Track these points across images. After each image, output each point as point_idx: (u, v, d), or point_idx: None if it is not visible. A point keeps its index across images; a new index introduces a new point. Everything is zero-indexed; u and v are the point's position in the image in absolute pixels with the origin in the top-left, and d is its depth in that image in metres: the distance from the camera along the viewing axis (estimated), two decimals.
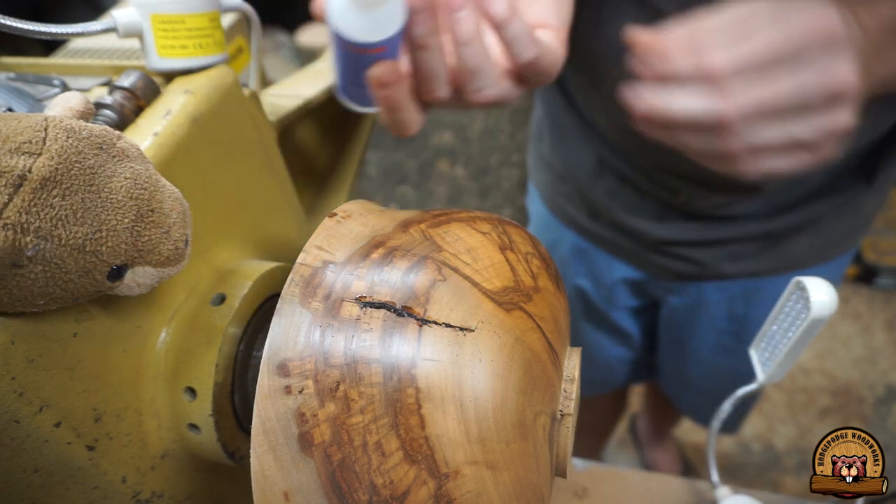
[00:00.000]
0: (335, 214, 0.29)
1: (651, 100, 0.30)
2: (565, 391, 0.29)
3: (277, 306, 0.25)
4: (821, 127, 0.30)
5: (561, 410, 0.29)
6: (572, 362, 0.30)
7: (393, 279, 0.25)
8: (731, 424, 0.87)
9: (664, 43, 0.29)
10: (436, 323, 0.25)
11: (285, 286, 0.26)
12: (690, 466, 1.26)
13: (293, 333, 0.25)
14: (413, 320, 0.25)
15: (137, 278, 0.26)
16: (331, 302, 0.25)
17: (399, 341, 0.24)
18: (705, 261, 0.64)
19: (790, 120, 0.30)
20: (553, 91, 0.66)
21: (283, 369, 0.25)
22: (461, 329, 0.25)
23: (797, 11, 0.29)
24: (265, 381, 0.25)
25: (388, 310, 0.25)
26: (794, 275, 0.41)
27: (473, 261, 0.27)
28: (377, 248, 0.27)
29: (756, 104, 0.29)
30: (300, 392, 0.24)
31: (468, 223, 0.29)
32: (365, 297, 0.25)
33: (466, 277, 0.26)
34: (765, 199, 0.58)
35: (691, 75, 0.29)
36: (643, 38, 0.30)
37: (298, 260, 0.26)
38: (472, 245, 0.27)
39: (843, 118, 0.30)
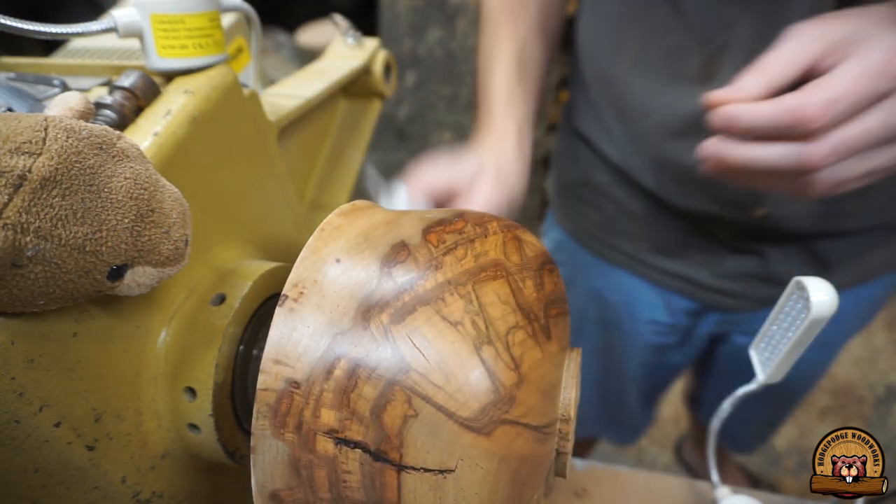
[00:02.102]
0: (286, 299, 0.25)
1: (732, 152, 0.31)
2: (560, 432, 0.28)
3: (252, 442, 0.24)
4: None
5: (557, 449, 0.28)
6: (568, 395, 0.28)
7: (361, 412, 0.24)
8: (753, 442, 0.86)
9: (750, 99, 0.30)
10: (413, 469, 0.24)
11: (253, 420, 0.24)
12: (756, 480, 1.25)
13: (276, 466, 0.24)
14: (389, 466, 0.24)
15: (137, 278, 0.26)
16: (304, 434, 0.24)
17: (380, 487, 0.24)
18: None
19: (873, 153, 0.31)
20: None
21: (275, 498, 0.25)
22: (440, 472, 0.24)
23: (881, 43, 0.30)
24: None
25: (363, 450, 0.24)
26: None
27: (446, 381, 0.24)
28: (339, 361, 0.24)
29: (844, 148, 0.30)
30: None
31: (436, 307, 0.25)
32: (337, 430, 0.24)
33: (440, 408, 0.24)
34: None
35: (785, 127, 0.29)
36: (721, 97, 0.31)
37: (259, 384, 0.25)
38: (443, 356, 0.24)
39: None
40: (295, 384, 0.24)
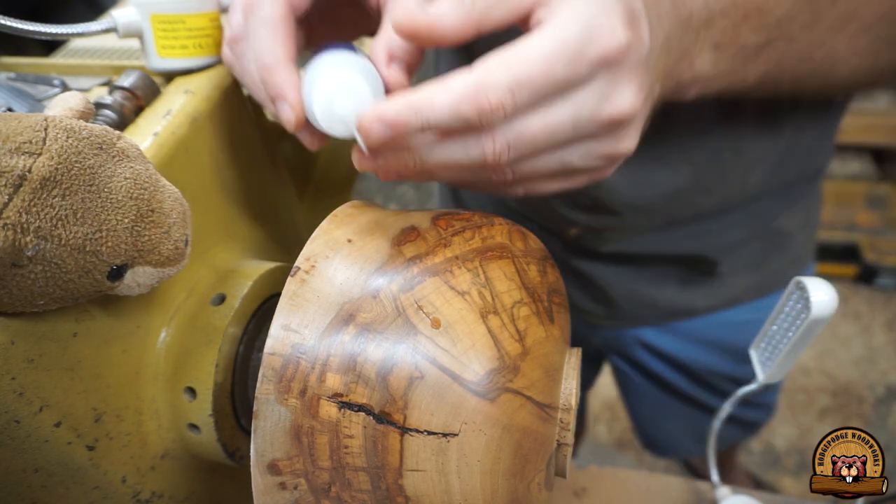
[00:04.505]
0: (298, 270, 0.26)
1: (399, 162, 0.26)
2: (562, 421, 0.28)
3: (255, 407, 0.25)
4: (598, 154, 0.28)
5: (558, 440, 0.28)
6: (570, 385, 0.28)
7: (367, 374, 0.24)
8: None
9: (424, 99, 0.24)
10: (417, 431, 0.24)
11: (258, 384, 0.25)
12: (756, 480, 1.25)
13: (277, 434, 0.25)
14: (393, 428, 0.24)
15: (137, 278, 0.26)
16: (307, 399, 0.24)
17: (382, 451, 0.24)
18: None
19: (564, 150, 0.27)
20: None
21: (273, 469, 0.25)
22: (444, 435, 0.24)
23: (580, 31, 0.24)
24: (259, 481, 0.25)
25: (367, 413, 0.24)
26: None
27: (452, 345, 0.24)
28: (347, 326, 0.25)
29: (522, 145, 0.26)
30: (295, 488, 0.25)
31: (445, 278, 0.26)
32: (341, 394, 0.24)
33: (445, 370, 0.24)
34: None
35: (462, 120, 0.24)
36: (410, 20, 0.25)
37: (266, 349, 0.25)
38: (450, 320, 0.25)
39: (624, 144, 0.27)
40: (302, 349, 0.25)
